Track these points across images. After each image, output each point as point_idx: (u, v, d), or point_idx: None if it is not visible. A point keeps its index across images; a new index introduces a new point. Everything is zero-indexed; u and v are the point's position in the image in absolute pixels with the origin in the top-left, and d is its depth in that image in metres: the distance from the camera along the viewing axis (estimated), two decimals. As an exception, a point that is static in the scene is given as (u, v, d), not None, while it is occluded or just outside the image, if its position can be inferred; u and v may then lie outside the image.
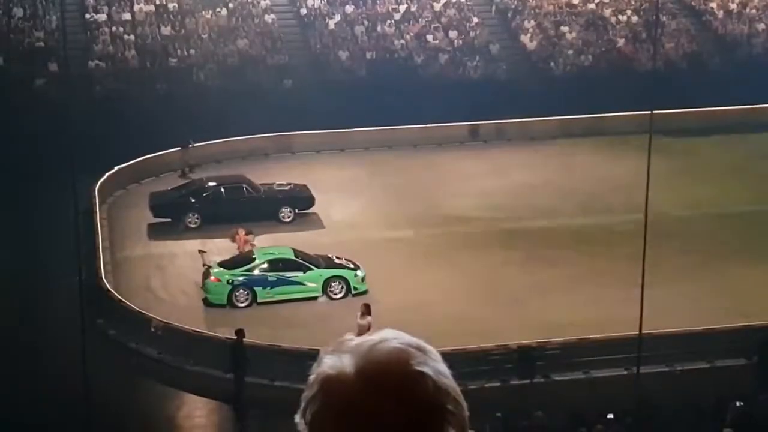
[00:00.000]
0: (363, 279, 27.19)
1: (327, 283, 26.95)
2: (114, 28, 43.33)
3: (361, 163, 37.20)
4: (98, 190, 32.95)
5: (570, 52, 44.35)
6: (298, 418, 2.24)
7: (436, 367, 2.23)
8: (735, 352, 24.49)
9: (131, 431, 23.36)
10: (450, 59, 43.52)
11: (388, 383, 2.18)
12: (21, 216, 31.21)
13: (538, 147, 38.92)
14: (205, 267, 27.49)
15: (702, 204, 33.02)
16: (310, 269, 27.03)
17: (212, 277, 26.92)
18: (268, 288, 26.74)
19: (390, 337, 2.25)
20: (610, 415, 20.68)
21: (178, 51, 42.38)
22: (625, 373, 23.38)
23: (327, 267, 27.32)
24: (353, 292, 26.93)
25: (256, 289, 26.77)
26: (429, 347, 2.26)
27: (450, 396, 2.22)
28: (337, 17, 45.25)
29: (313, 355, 2.28)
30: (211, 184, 32.93)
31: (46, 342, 24.94)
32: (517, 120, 39.84)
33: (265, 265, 27.10)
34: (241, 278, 26.83)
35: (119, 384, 24.08)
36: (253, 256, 27.51)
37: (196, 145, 36.68)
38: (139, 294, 27.47)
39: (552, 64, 43.81)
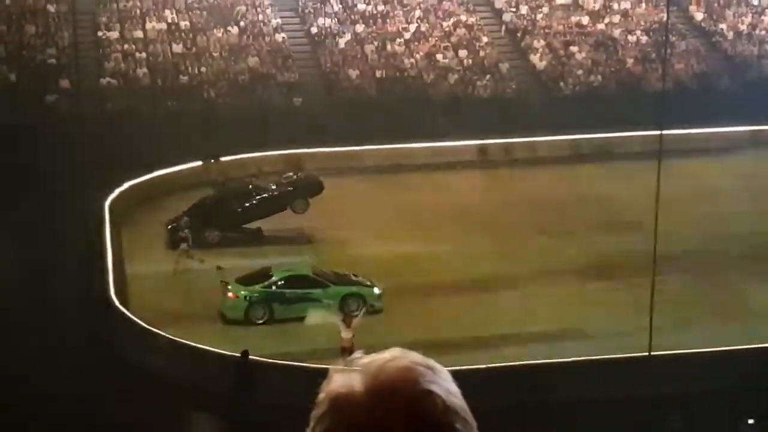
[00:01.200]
0: (380, 296, 27.19)
1: (344, 300, 26.96)
2: (126, 46, 43.51)
3: (371, 181, 37.20)
4: (109, 206, 33.01)
5: (579, 71, 44.40)
6: (307, 437, 2.25)
7: (445, 386, 2.24)
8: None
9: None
10: (460, 78, 43.61)
11: (397, 402, 2.19)
12: (31, 231, 31.26)
13: (546, 166, 38.88)
14: (223, 283, 27.54)
15: (711, 223, 32.91)
16: (328, 286, 27.07)
17: (230, 294, 26.98)
18: (286, 305, 26.77)
19: (399, 356, 2.26)
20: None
21: (190, 69, 42.54)
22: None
23: (344, 284, 27.34)
24: (370, 309, 26.91)
25: (273, 305, 26.81)
26: (439, 366, 2.27)
27: (459, 415, 2.23)
28: (348, 36, 45.40)
29: (322, 373, 2.29)
30: (219, 195, 33.19)
31: (52, 355, 24.93)
32: (525, 139, 39.85)
33: (283, 282, 27.14)
34: (258, 295, 26.87)
35: (124, 399, 24.04)
36: (271, 273, 27.57)
37: (203, 162, 36.79)
38: (150, 310, 27.44)
39: (561, 83, 43.86)
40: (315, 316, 26.30)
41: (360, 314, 25.24)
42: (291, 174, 34.45)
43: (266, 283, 27.15)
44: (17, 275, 28.86)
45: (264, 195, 32.99)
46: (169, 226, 32.21)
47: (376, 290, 27.29)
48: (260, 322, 26.81)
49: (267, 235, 32.39)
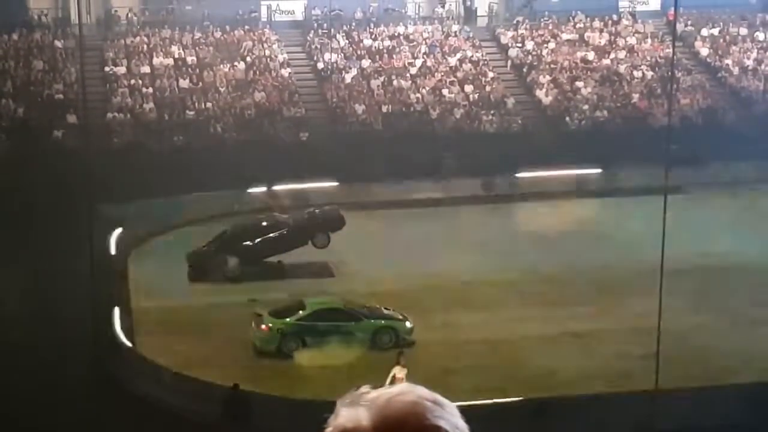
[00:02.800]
0: (411, 330, 27.21)
1: (376, 333, 26.98)
2: (133, 81, 43.75)
3: (376, 215, 37.23)
4: (115, 240, 33.05)
5: (585, 106, 44.51)
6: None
7: (453, 421, 2.23)
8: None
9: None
10: (466, 113, 43.73)
11: (404, 437, 2.18)
12: (38, 265, 31.29)
13: (552, 201, 38.89)
14: (256, 315, 27.57)
15: (716, 257, 32.85)
16: (360, 320, 27.11)
17: (263, 326, 27.00)
18: (318, 337, 26.76)
19: (407, 391, 2.25)
20: None
21: (196, 103, 42.73)
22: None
23: (376, 317, 27.38)
24: (402, 342, 26.89)
25: (306, 338, 26.82)
26: (446, 401, 2.26)
27: (466, 450, 2.22)
28: (354, 71, 45.60)
29: (329, 407, 2.28)
30: (240, 229, 33.27)
31: (57, 385, 24.86)
32: (531, 174, 39.88)
33: (316, 315, 27.17)
34: (291, 327, 26.89)
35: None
36: (304, 305, 27.61)
37: (213, 193, 36.87)
38: (156, 344, 27.37)
39: (567, 118, 43.96)
40: (348, 350, 26.31)
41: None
42: (313, 209, 34.60)
43: (299, 315, 27.19)
44: (24, 308, 28.88)
45: (285, 229, 33.09)
46: (191, 259, 32.34)
47: (408, 324, 27.34)
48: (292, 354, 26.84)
49: (289, 269, 32.54)
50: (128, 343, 26.77)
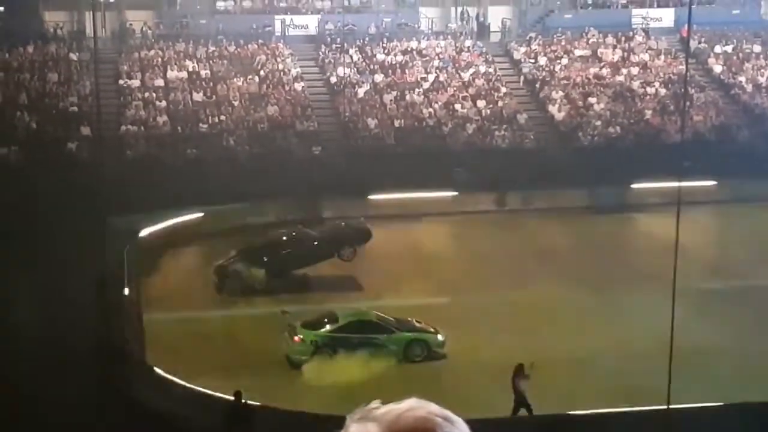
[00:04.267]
0: (443, 343, 27.23)
1: (408, 346, 27.00)
2: (147, 94, 43.90)
3: (389, 230, 37.22)
4: (127, 253, 33.09)
5: (598, 123, 44.47)
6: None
7: (462, 437, 2.23)
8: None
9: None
10: (478, 128, 43.73)
11: (413, 453, 2.18)
12: (51, 275, 31.35)
13: (564, 216, 38.85)
14: (289, 327, 27.61)
15: (730, 275, 32.75)
16: (392, 332, 27.13)
17: (296, 337, 27.04)
18: (350, 349, 26.79)
19: (417, 406, 2.26)
20: None
21: (210, 117, 42.83)
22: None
23: (408, 330, 27.39)
24: (433, 355, 26.93)
25: (338, 350, 26.85)
26: (456, 417, 2.27)
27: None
28: (367, 86, 45.67)
29: (338, 422, 2.29)
30: (266, 241, 33.39)
31: (65, 399, 24.87)
32: (544, 190, 39.84)
33: (348, 327, 27.22)
34: (324, 339, 26.94)
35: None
36: (336, 317, 27.65)
37: (219, 208, 36.91)
38: (168, 357, 27.36)
39: (580, 134, 43.91)
40: (380, 363, 26.32)
41: None
42: (339, 222, 34.71)
43: (332, 327, 27.23)
44: (35, 319, 28.91)
45: (312, 242, 33.17)
46: (217, 269, 32.44)
47: (440, 337, 27.34)
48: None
49: (314, 282, 32.64)
50: (140, 356, 26.77)
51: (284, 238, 33.48)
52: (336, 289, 32.34)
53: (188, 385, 25.32)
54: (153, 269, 34.10)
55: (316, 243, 33.22)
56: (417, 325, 27.82)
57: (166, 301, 31.27)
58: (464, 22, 52.24)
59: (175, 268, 33.43)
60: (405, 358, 26.83)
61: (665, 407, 21.34)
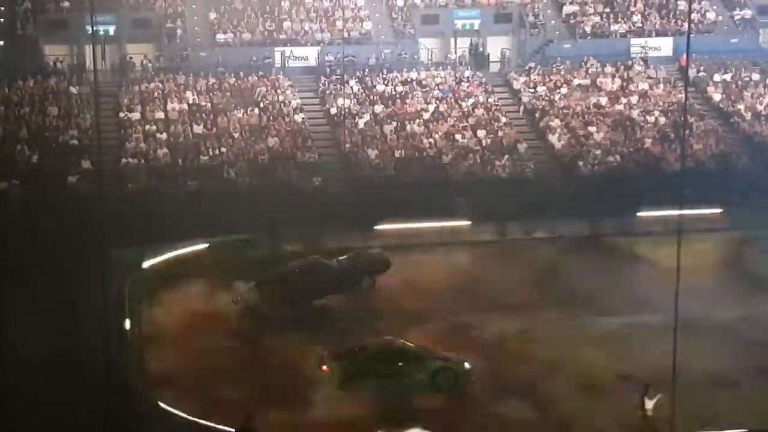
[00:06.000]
0: (470, 372, 27.16)
1: (436, 374, 26.88)
2: (147, 126, 44.00)
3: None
4: (129, 286, 33.02)
5: (598, 151, 44.53)
6: None
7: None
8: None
9: None
10: (479, 158, 43.79)
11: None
12: (52, 310, 31.29)
13: (564, 245, 38.83)
14: (318, 356, 27.56)
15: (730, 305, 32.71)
16: (420, 361, 27.06)
17: (324, 366, 26.99)
18: (379, 378, 26.69)
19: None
20: None
21: (210, 149, 42.90)
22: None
23: (435, 359, 27.30)
24: (461, 384, 26.88)
25: (366, 378, 26.73)
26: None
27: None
28: (367, 116, 45.81)
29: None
30: (284, 272, 33.41)
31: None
32: (544, 220, 39.86)
33: (376, 356, 27.14)
34: (352, 368, 26.86)
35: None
36: (364, 346, 27.59)
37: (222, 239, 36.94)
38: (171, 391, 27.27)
39: (580, 163, 43.97)
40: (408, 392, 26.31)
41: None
42: (357, 252, 34.79)
43: (360, 356, 27.16)
44: (37, 354, 28.82)
45: (330, 273, 33.19)
46: (236, 302, 32.50)
47: (467, 365, 27.29)
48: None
49: (335, 311, 32.63)
50: (143, 390, 26.66)
51: (302, 269, 33.48)
52: (355, 318, 32.23)
53: (193, 418, 25.24)
54: (156, 301, 34.01)
55: (333, 274, 33.26)
56: (444, 353, 27.78)
57: (169, 333, 31.19)
58: (470, 54, 52.47)
59: (179, 300, 33.32)
60: (433, 386, 26.71)
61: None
